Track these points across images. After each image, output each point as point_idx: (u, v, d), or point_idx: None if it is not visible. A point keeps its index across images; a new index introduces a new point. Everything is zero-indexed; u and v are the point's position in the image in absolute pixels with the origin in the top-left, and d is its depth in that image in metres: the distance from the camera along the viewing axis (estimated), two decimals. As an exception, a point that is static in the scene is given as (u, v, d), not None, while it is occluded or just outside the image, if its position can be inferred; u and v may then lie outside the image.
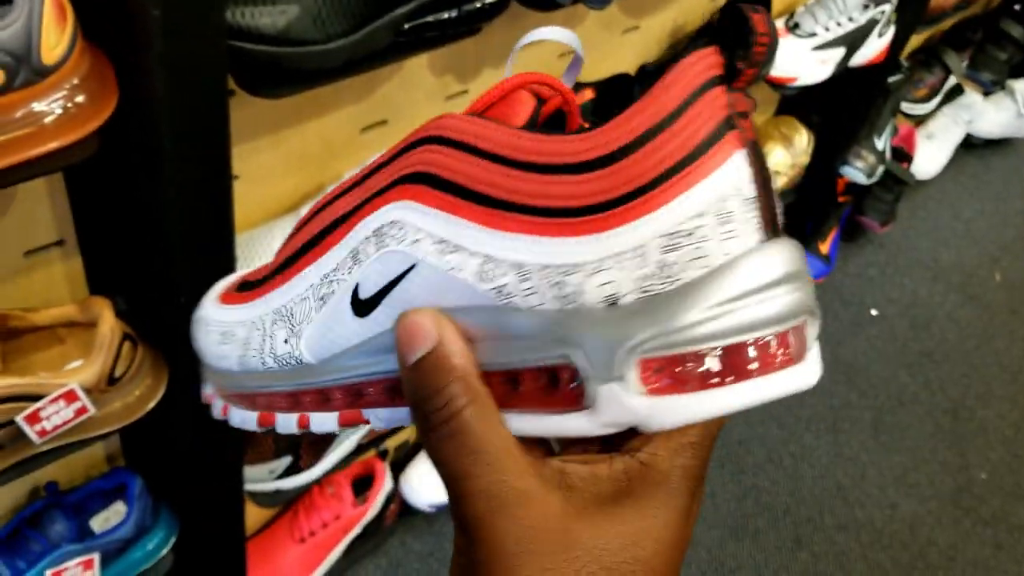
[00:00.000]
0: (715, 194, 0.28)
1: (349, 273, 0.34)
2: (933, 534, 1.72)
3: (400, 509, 1.49)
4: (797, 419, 1.87)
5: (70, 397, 0.74)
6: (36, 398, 0.73)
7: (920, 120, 2.40)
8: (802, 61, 1.48)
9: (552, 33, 0.34)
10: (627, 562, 0.30)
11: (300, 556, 1.29)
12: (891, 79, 1.82)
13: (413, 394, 0.32)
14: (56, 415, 0.74)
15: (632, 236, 0.28)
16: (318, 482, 1.21)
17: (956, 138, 2.49)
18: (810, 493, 1.75)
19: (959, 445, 1.90)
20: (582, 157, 0.29)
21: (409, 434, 1.49)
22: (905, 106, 2.18)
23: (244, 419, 0.40)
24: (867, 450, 1.85)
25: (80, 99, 0.62)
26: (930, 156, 2.42)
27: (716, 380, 0.28)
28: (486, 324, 0.31)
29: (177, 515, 1.00)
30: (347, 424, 0.36)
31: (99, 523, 0.94)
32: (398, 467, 1.49)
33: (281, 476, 1.12)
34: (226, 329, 0.40)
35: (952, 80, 2.29)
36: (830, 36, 1.49)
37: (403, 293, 0.33)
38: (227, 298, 0.41)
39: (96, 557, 0.90)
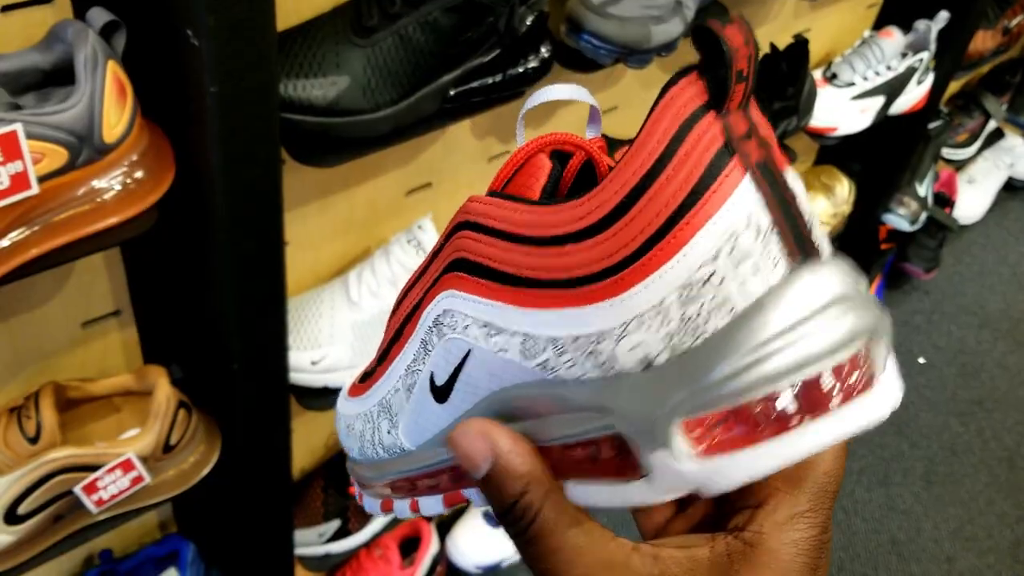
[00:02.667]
0: (725, 232, 0.26)
1: (424, 362, 0.35)
2: (993, 589, 1.67)
3: (447, 571, 1.47)
4: (848, 472, 1.84)
5: (127, 466, 0.75)
6: (93, 468, 0.74)
7: (961, 165, 2.38)
8: (842, 111, 1.48)
9: (557, 92, 0.32)
10: None
11: (349, 619, 1.28)
12: (931, 125, 1.82)
13: (493, 506, 0.32)
14: (113, 484, 0.75)
15: (648, 294, 0.27)
16: (366, 545, 1.21)
17: (998, 182, 2.47)
18: (864, 548, 1.71)
19: (1016, 495, 1.85)
20: (585, 222, 0.28)
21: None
22: (946, 151, 2.17)
23: (372, 506, 0.42)
24: (921, 502, 1.81)
25: (139, 175, 0.64)
26: (972, 200, 2.39)
27: (767, 431, 0.26)
28: (546, 398, 0.31)
29: (228, 581, 1.00)
30: (452, 505, 0.37)
31: (152, 590, 0.94)
32: (444, 528, 1.48)
33: (330, 539, 1.11)
34: (349, 422, 0.42)
35: (992, 124, 2.27)
36: (869, 85, 1.49)
37: (468, 377, 0.33)
38: (353, 390, 0.42)
39: (149, 625, 0.90)
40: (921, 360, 2.12)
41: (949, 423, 1.98)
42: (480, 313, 0.31)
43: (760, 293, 0.26)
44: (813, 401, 0.26)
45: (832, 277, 0.27)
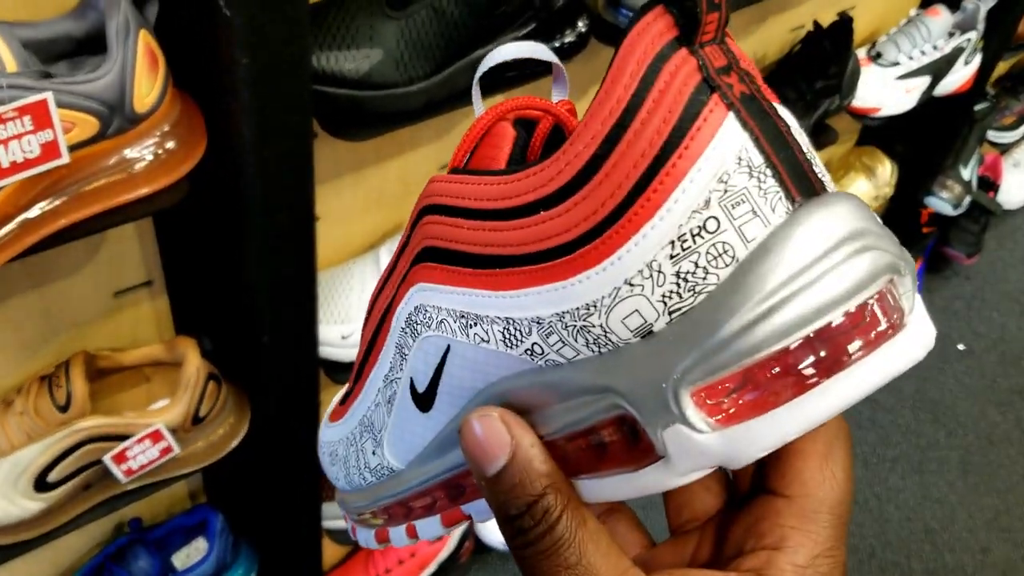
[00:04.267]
0: (712, 175, 0.23)
1: (401, 370, 0.32)
2: (1028, 580, 1.65)
3: (475, 547, 1.47)
4: (882, 459, 1.82)
5: (156, 437, 0.75)
6: (123, 437, 0.74)
7: (1006, 148, 2.33)
8: (886, 91, 1.44)
9: (512, 51, 0.29)
10: None
11: (376, 593, 1.29)
12: (977, 107, 1.77)
13: (498, 508, 0.28)
14: (142, 455, 0.75)
15: (636, 255, 0.24)
16: (394, 519, 1.21)
17: (1045, 166, 2.41)
18: (897, 536, 1.69)
19: (1054, 487, 1.82)
20: (556, 183, 0.25)
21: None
22: (991, 134, 2.12)
23: (366, 539, 0.37)
24: (956, 491, 1.78)
25: (170, 145, 0.63)
26: (1017, 185, 2.34)
27: (788, 391, 0.23)
28: (539, 388, 0.28)
29: (256, 552, 1.00)
30: (452, 524, 0.33)
31: (181, 559, 0.95)
32: (473, 503, 1.48)
33: (358, 513, 1.12)
34: (333, 449, 0.38)
35: (1040, 107, 2.22)
36: (914, 65, 1.46)
37: (451, 378, 0.30)
38: (334, 415, 0.38)
39: (178, 594, 0.91)
40: (960, 347, 2.09)
41: (987, 412, 1.95)
42: (454, 303, 0.28)
43: (762, 237, 0.23)
44: (835, 351, 0.23)
45: (842, 212, 0.24)
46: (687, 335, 0.24)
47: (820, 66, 1.30)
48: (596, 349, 0.26)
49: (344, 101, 0.71)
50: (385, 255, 0.94)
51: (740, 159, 0.23)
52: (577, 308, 0.25)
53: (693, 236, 0.24)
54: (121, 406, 0.79)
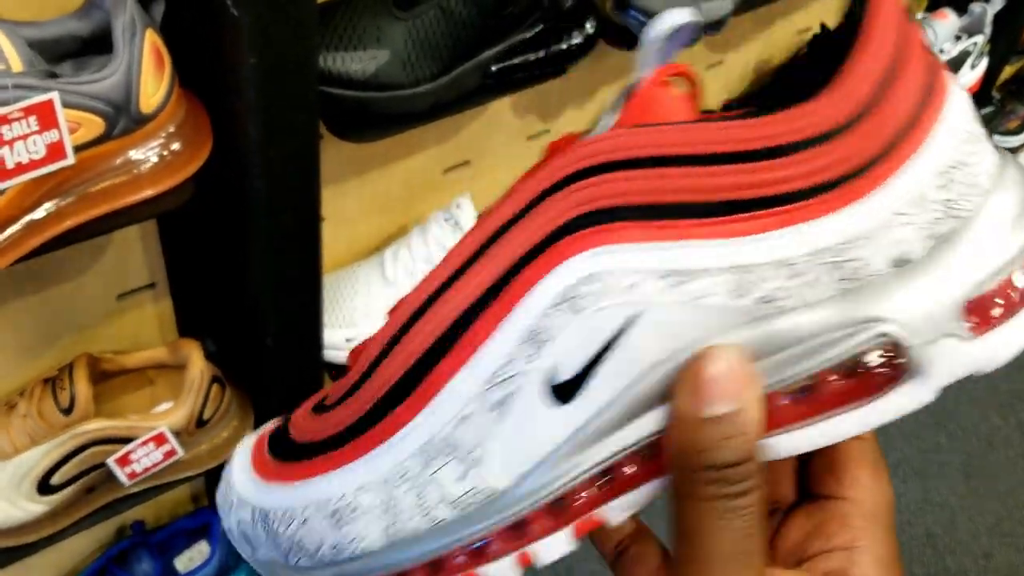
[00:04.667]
0: (966, 108, 0.27)
1: (532, 360, 0.28)
2: (1031, 586, 1.64)
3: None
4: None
5: (160, 440, 0.74)
6: (126, 440, 0.73)
7: (1011, 152, 2.32)
8: (890, 95, 1.44)
9: (679, 16, 0.29)
10: None
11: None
12: (982, 111, 1.77)
13: (693, 447, 0.26)
14: (146, 457, 0.74)
15: (906, 185, 0.26)
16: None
17: (1048, 170, 2.41)
18: (898, 540, 1.68)
19: (1057, 492, 1.81)
20: (832, 120, 0.26)
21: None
22: (996, 138, 2.12)
23: None
24: (957, 496, 1.78)
25: (176, 146, 0.63)
26: (1020, 189, 2.34)
27: None
28: (751, 345, 0.27)
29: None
30: (583, 534, 0.29)
31: (183, 563, 0.95)
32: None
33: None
34: (337, 506, 0.29)
35: (1044, 111, 2.21)
36: (919, 69, 1.46)
37: (624, 353, 0.27)
38: (286, 472, 0.30)
39: (180, 597, 0.91)
40: (962, 351, 2.08)
41: (989, 416, 1.94)
42: (661, 262, 0.26)
43: (995, 168, 0.27)
44: None
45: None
46: (950, 258, 0.26)
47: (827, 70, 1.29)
48: (844, 284, 0.26)
49: (350, 102, 0.70)
50: (390, 259, 0.93)
51: (966, 109, 0.28)
52: (842, 242, 0.26)
53: (955, 168, 0.27)
54: (124, 409, 0.79)
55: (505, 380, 0.28)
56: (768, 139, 0.26)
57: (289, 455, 0.31)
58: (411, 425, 0.29)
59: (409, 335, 0.29)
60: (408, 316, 0.30)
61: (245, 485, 0.31)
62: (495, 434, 0.28)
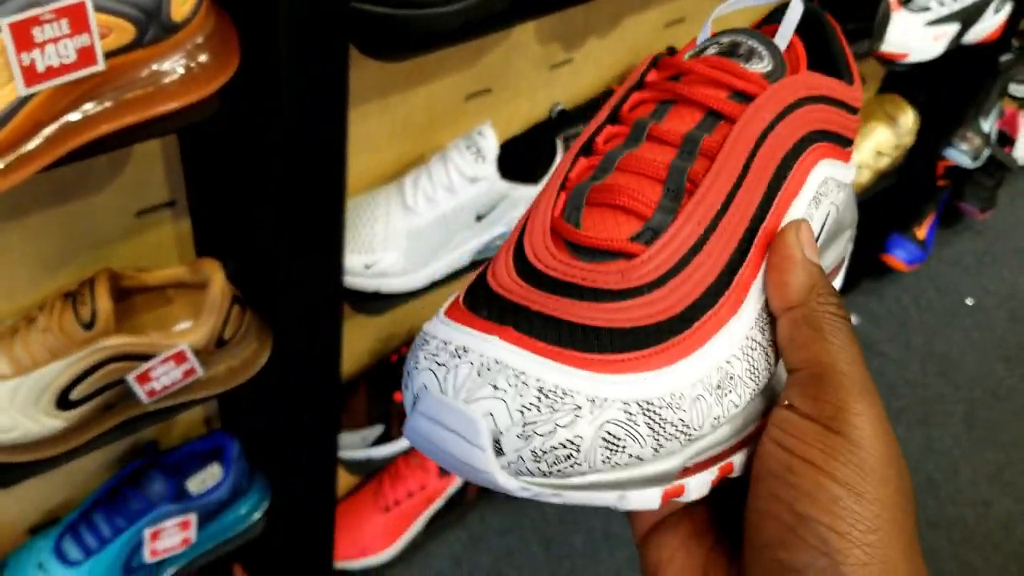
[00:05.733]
0: None
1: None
2: (1028, 534, 1.66)
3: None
4: (887, 410, 1.80)
5: (180, 358, 0.74)
6: (146, 357, 0.73)
7: (1029, 101, 2.30)
8: (915, 36, 1.41)
9: None
10: None
11: (384, 524, 1.29)
12: (1002, 58, 1.74)
13: (813, 278, 0.33)
14: (166, 375, 0.74)
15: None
16: (405, 452, 1.21)
17: (1063, 124, 2.38)
18: (899, 485, 1.70)
19: (1057, 443, 1.83)
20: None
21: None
22: (1012, 87, 2.09)
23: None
24: (960, 445, 1.79)
25: (203, 59, 0.61)
26: (1034, 141, 2.31)
27: None
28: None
29: (270, 479, 1.00)
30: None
31: (196, 484, 0.95)
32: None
33: (373, 444, 1.11)
34: (719, 378, 0.31)
35: (1063, 62, 2.18)
36: (945, 11, 1.43)
37: (832, 225, 0.39)
38: (661, 354, 0.30)
39: (193, 518, 0.91)
40: (969, 302, 2.08)
41: (994, 367, 1.95)
42: (845, 175, 0.38)
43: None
44: None
45: None
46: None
47: (852, 7, 1.27)
48: None
49: (380, 18, 0.69)
50: (410, 185, 0.92)
51: None
52: None
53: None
54: (144, 327, 0.78)
55: None
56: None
57: (624, 346, 0.30)
58: (744, 306, 0.33)
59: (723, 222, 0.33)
60: (714, 214, 0.33)
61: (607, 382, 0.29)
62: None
